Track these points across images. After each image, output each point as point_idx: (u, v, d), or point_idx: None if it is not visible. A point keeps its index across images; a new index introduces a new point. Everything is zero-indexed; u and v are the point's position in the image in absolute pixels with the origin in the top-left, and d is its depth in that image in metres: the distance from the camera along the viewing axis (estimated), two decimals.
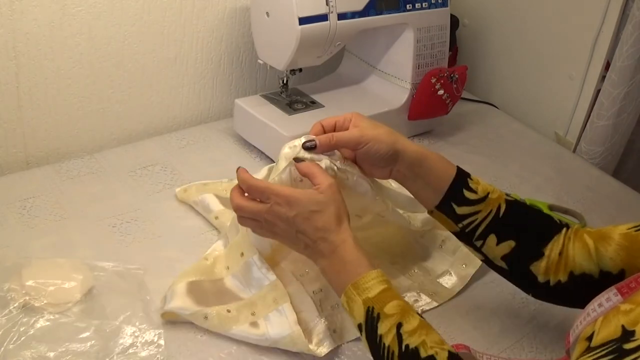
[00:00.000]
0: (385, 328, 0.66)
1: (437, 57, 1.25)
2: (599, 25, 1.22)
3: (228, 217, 0.96)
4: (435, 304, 0.88)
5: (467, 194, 0.76)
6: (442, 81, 1.21)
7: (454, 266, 0.94)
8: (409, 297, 0.88)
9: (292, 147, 0.79)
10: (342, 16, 1.08)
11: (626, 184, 1.23)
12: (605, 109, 1.22)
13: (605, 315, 0.60)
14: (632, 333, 0.55)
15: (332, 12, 1.07)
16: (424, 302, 0.88)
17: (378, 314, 0.67)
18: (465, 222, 0.77)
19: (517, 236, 0.76)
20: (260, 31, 1.14)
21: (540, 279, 0.76)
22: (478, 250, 0.79)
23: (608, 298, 0.62)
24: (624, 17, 1.18)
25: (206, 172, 1.11)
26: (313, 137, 0.78)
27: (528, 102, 1.41)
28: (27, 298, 0.78)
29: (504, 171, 1.22)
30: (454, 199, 0.77)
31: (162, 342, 0.77)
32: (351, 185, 0.81)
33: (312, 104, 1.20)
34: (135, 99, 1.20)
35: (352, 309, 0.70)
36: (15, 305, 0.78)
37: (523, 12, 1.37)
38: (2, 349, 0.73)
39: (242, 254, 0.85)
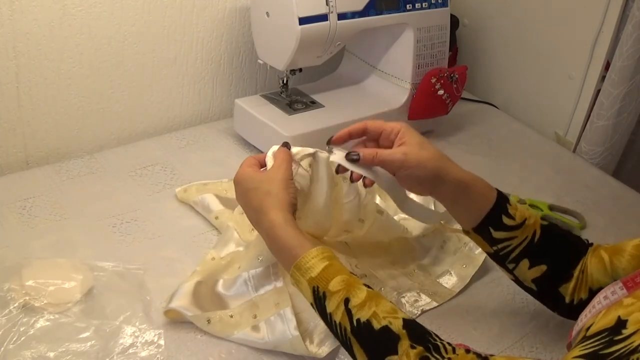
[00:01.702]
0: (333, 305, 0.65)
1: (437, 57, 1.25)
2: (599, 25, 1.21)
3: (228, 217, 0.96)
4: (435, 304, 0.88)
5: (505, 220, 0.76)
6: (442, 81, 1.21)
7: (454, 266, 0.94)
8: (409, 297, 0.88)
9: (335, 153, 0.78)
10: (342, 16, 1.08)
11: (626, 184, 1.23)
12: (605, 109, 1.22)
13: (608, 308, 0.61)
14: (625, 323, 0.55)
15: (332, 12, 1.07)
16: (424, 302, 0.88)
17: (324, 293, 0.66)
18: (500, 245, 0.77)
19: (550, 260, 0.77)
20: (260, 31, 1.14)
21: (567, 299, 0.77)
22: (509, 271, 0.79)
23: (614, 291, 0.63)
24: (624, 17, 1.18)
25: (206, 172, 1.11)
26: (358, 151, 0.76)
27: (528, 102, 1.41)
28: (27, 298, 0.78)
29: (504, 171, 1.22)
30: (492, 224, 0.77)
31: (162, 342, 0.77)
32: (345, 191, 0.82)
33: (312, 104, 1.20)
34: (135, 99, 1.20)
35: (301, 290, 0.69)
36: (15, 305, 0.78)
37: (523, 12, 1.37)
38: (2, 349, 0.73)
39: (260, 260, 0.85)
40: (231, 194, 1.04)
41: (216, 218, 0.98)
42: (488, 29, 1.46)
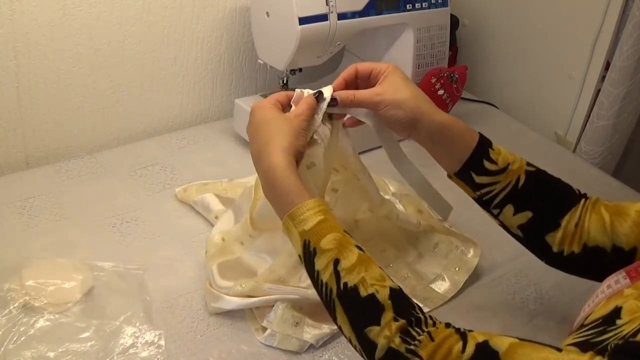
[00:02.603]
0: (322, 264, 0.63)
1: (437, 57, 1.25)
2: (599, 25, 1.21)
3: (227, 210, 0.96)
4: (427, 309, 0.88)
5: (487, 164, 0.76)
6: (442, 81, 1.21)
7: (446, 269, 0.94)
8: None
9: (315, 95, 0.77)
10: (342, 16, 1.08)
11: (626, 184, 1.23)
12: (605, 108, 1.22)
13: (609, 298, 0.61)
14: (619, 312, 0.56)
15: (332, 12, 1.07)
16: None
17: (314, 249, 0.64)
18: (484, 191, 0.77)
19: (535, 207, 0.76)
20: (260, 31, 1.14)
21: (555, 249, 0.76)
22: (495, 217, 0.79)
23: (617, 280, 0.63)
24: (624, 17, 1.18)
25: (206, 172, 1.11)
26: (336, 95, 0.76)
27: (528, 102, 1.41)
28: (27, 298, 0.78)
29: None
30: (473, 168, 0.76)
31: (162, 342, 0.77)
32: (335, 140, 0.81)
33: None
34: (135, 99, 1.20)
35: (292, 240, 0.67)
36: (15, 305, 0.78)
37: (523, 12, 1.37)
38: (2, 349, 0.73)
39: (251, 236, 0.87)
40: (231, 193, 1.04)
41: (216, 218, 0.98)
42: (488, 29, 1.46)
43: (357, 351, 0.62)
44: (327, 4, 1.06)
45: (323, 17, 1.06)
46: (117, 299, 0.82)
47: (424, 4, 1.19)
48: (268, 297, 0.82)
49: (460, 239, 0.96)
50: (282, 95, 0.77)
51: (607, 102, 1.21)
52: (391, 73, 0.77)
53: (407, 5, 1.17)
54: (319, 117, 0.76)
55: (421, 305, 0.88)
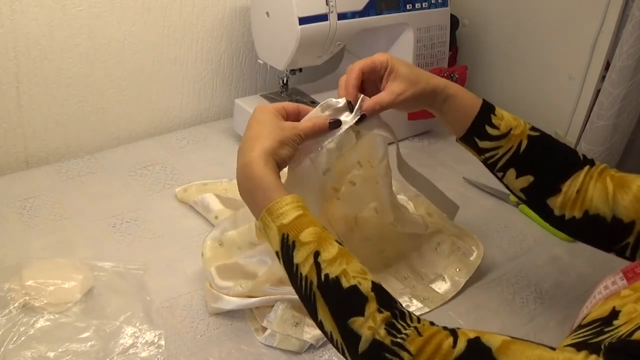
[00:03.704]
0: (301, 257, 0.62)
1: (437, 57, 1.25)
2: (599, 25, 1.21)
3: (228, 216, 0.96)
4: (427, 309, 0.88)
5: (489, 129, 0.79)
6: None
7: (447, 270, 0.94)
8: (400, 302, 0.88)
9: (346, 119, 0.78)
10: (342, 16, 1.08)
11: None
12: (605, 108, 1.22)
13: (606, 299, 0.61)
14: (617, 314, 0.56)
15: (332, 12, 1.07)
16: (415, 307, 0.88)
17: (293, 242, 0.63)
18: (487, 155, 0.80)
19: (536, 172, 0.78)
20: (260, 31, 1.14)
21: (556, 212, 0.78)
22: (500, 179, 0.82)
23: (614, 281, 0.63)
24: (624, 17, 1.17)
25: (206, 172, 1.11)
26: (364, 111, 0.78)
27: (528, 102, 1.41)
28: (27, 298, 0.78)
29: None
30: (476, 133, 0.79)
31: (162, 342, 0.77)
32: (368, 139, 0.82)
33: (312, 104, 1.20)
34: (135, 99, 1.20)
35: (268, 235, 0.66)
36: (15, 305, 0.78)
37: (523, 12, 1.37)
38: (2, 349, 0.73)
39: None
40: (231, 193, 1.04)
41: (216, 218, 0.98)
42: (488, 29, 1.46)
43: (338, 348, 0.61)
44: (327, 4, 1.06)
45: (323, 17, 1.06)
46: (117, 299, 0.82)
47: (424, 4, 1.19)
48: (268, 297, 0.82)
49: (465, 240, 0.96)
50: (292, 106, 0.77)
51: (607, 102, 1.21)
52: (395, 67, 0.79)
53: (407, 5, 1.17)
54: (336, 135, 0.77)
55: (421, 305, 0.88)
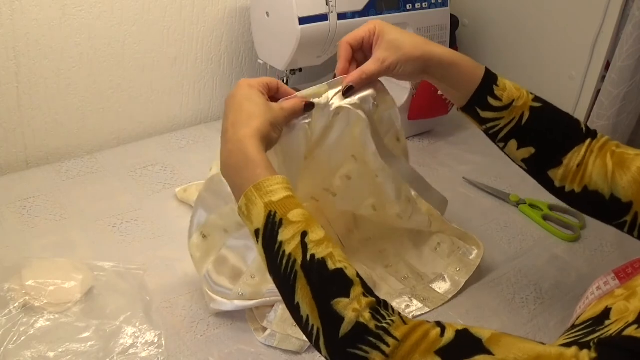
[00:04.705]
0: (287, 235, 0.61)
1: None
2: (599, 25, 1.21)
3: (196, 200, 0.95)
4: (427, 309, 0.88)
5: (490, 100, 0.77)
6: None
7: (447, 269, 0.94)
8: (400, 302, 0.88)
9: (328, 96, 0.78)
10: (342, 16, 1.08)
11: None
12: (605, 109, 1.22)
13: (599, 299, 0.61)
14: (609, 313, 0.56)
15: (332, 12, 1.07)
16: (415, 307, 0.88)
17: (280, 220, 0.61)
18: (489, 125, 0.79)
19: (537, 143, 0.78)
20: (260, 31, 1.14)
21: (557, 184, 0.78)
22: (501, 149, 0.81)
23: (606, 282, 0.63)
24: (624, 17, 1.17)
25: (206, 172, 1.11)
26: (350, 82, 0.77)
27: None
28: (27, 298, 0.78)
29: (504, 171, 1.22)
30: (478, 103, 0.78)
31: (162, 342, 0.77)
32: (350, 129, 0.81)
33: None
34: (135, 99, 1.20)
35: (251, 212, 0.64)
36: (15, 305, 0.77)
37: (523, 12, 1.37)
38: (2, 349, 0.73)
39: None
40: None
41: None
42: (488, 29, 1.46)
43: (311, 335, 0.59)
44: (327, 4, 1.06)
45: (323, 17, 1.06)
46: (117, 299, 0.82)
47: (424, 4, 1.19)
48: (268, 299, 0.82)
49: (466, 241, 0.96)
50: (274, 82, 0.76)
51: (607, 102, 1.21)
52: (382, 33, 0.78)
53: (407, 5, 1.17)
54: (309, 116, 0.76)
55: (421, 305, 0.88)
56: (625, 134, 1.27)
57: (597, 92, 1.25)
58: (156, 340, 0.77)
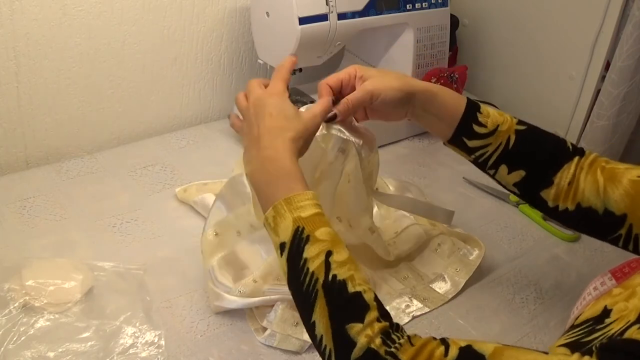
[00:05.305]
0: (313, 252, 0.62)
1: (437, 57, 1.25)
2: (599, 25, 1.21)
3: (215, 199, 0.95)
4: (427, 309, 0.88)
5: (476, 128, 0.78)
6: (442, 81, 1.21)
7: (447, 269, 0.94)
8: (400, 302, 0.88)
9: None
10: (342, 16, 1.08)
11: None
12: (605, 108, 1.22)
13: (597, 299, 0.61)
14: (609, 312, 0.56)
15: (332, 12, 1.07)
16: (415, 307, 0.88)
17: (308, 236, 0.62)
18: (477, 153, 0.80)
19: (527, 166, 0.78)
20: (260, 31, 1.14)
21: (550, 204, 0.78)
22: (492, 177, 0.82)
23: (603, 282, 0.63)
24: (624, 17, 1.17)
25: (206, 172, 1.11)
26: (335, 109, 0.78)
27: (528, 102, 1.41)
28: (27, 298, 0.78)
29: None
30: (464, 133, 0.79)
31: (162, 342, 0.77)
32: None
33: (312, 104, 1.20)
34: (135, 99, 1.20)
35: (278, 225, 0.64)
36: (15, 305, 0.78)
37: (523, 12, 1.37)
38: (2, 349, 0.73)
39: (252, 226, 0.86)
40: None
41: None
42: (488, 29, 1.46)
43: (322, 353, 0.60)
44: (327, 4, 1.06)
45: (323, 17, 1.06)
46: (117, 299, 0.82)
47: (424, 4, 1.19)
48: (269, 297, 0.82)
49: (467, 242, 0.96)
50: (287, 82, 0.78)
51: (607, 102, 1.21)
52: (363, 72, 0.79)
53: (407, 5, 1.17)
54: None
55: (421, 305, 0.88)
56: (625, 134, 1.27)
57: (597, 92, 1.25)
58: (156, 340, 0.78)
